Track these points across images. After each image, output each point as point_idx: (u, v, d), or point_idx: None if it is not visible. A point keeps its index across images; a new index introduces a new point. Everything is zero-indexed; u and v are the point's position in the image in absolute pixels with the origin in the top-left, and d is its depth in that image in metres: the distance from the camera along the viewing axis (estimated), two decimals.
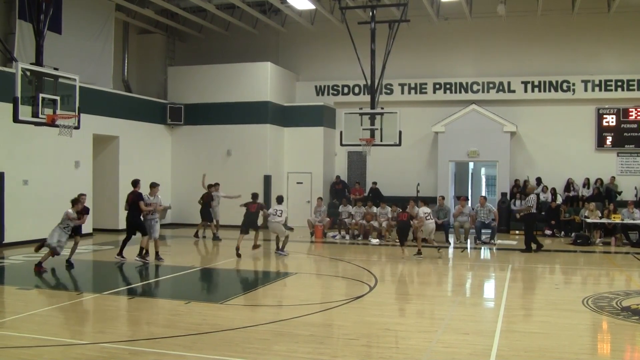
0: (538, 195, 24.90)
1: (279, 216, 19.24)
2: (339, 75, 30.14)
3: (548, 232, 25.21)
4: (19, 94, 14.93)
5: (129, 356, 8.83)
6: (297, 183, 29.09)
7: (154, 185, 17.93)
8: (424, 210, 19.58)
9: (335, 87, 30.60)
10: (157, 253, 17.82)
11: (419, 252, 18.93)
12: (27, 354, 8.95)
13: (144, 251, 17.54)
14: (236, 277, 16.84)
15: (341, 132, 22.33)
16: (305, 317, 11.30)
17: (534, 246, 20.38)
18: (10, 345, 9.30)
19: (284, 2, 26.48)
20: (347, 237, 24.12)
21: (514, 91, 28.35)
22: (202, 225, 23.91)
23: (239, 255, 18.46)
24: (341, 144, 22.94)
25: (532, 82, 28.11)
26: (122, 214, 25.32)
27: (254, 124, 28.59)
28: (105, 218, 25.59)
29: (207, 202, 23.68)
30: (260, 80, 28.89)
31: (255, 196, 19.57)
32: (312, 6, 26.40)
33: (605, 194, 26.10)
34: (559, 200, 26.47)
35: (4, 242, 20.38)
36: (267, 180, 28.00)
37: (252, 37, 30.93)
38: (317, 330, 10.49)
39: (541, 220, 25.21)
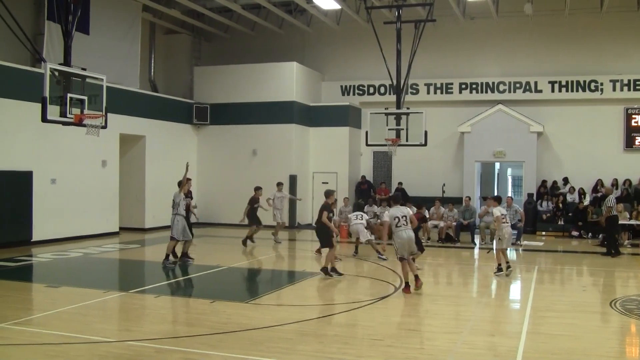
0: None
1: (359, 219, 19.21)
2: (365, 75, 30.08)
3: (575, 233, 24.97)
4: (47, 94, 15.05)
5: (154, 354, 8.89)
6: (323, 183, 29.05)
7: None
8: (500, 210, 16.16)
9: (360, 87, 30.55)
10: (185, 253, 17.74)
11: (500, 269, 15.93)
12: (54, 350, 9.05)
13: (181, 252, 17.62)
14: (261, 277, 16.89)
15: (367, 132, 22.29)
16: (330, 317, 11.32)
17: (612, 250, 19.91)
18: (37, 342, 9.41)
19: (309, 2, 26.47)
20: (373, 237, 24.01)
21: (540, 91, 28.08)
22: (251, 231, 22.22)
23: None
24: (367, 144, 22.90)
25: (560, 82, 27.81)
26: (149, 213, 25.83)
27: (280, 124, 28.62)
28: (132, 217, 25.76)
29: (253, 206, 22.28)
30: (286, 80, 28.92)
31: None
32: (337, 6, 26.37)
33: (634, 195, 25.76)
34: (587, 201, 26.15)
35: (32, 240, 20.57)
36: (293, 180, 28.01)
37: (277, 37, 30.96)
38: (342, 330, 10.50)
39: (568, 222, 25.05)
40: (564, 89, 27.81)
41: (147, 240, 23.62)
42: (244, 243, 21.74)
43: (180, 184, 17.20)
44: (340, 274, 15.50)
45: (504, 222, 15.79)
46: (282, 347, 9.44)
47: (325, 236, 15.72)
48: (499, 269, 15.73)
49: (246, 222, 21.97)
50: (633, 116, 27.15)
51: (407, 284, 13.48)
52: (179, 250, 17.49)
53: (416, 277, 13.47)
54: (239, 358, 8.73)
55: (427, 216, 19.41)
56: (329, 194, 16.06)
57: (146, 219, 26.10)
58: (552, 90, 27.97)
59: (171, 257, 17.06)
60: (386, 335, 10.13)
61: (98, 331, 10.09)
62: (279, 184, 23.76)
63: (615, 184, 26.48)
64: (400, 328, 10.62)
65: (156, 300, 12.96)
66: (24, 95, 19.68)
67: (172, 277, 15.81)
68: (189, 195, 17.97)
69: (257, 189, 22.39)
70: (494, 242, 15.82)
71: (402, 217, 13.61)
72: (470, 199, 25.03)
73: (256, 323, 10.67)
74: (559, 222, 25.83)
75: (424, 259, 17.50)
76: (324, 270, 15.45)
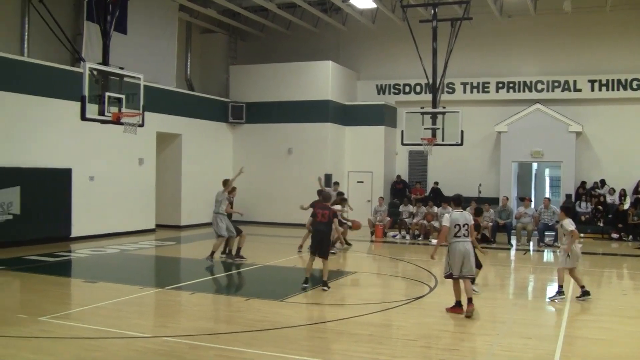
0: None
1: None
2: (400, 74, 29.98)
3: (615, 235, 24.49)
4: (86, 93, 15.22)
5: (189, 350, 8.96)
6: (358, 182, 29.05)
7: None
8: (572, 223, 13.17)
9: (396, 86, 30.49)
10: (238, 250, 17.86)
11: (561, 291, 13.17)
12: (91, 344, 9.19)
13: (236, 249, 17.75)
14: (296, 275, 16.90)
15: (402, 131, 22.23)
16: (365, 316, 11.29)
17: None
18: (75, 336, 9.56)
19: (345, 1, 26.44)
20: (408, 237, 23.99)
21: (580, 90, 27.67)
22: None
23: None
24: (402, 143, 22.84)
25: (600, 81, 27.36)
26: (185, 211, 26.03)
27: (315, 123, 28.65)
28: (168, 214, 25.98)
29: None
30: (321, 79, 28.94)
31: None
32: (373, 5, 26.32)
33: None
34: (627, 203, 25.64)
35: (71, 236, 20.85)
36: (328, 179, 28.02)
37: (313, 36, 31.01)
38: (376, 330, 10.48)
39: (608, 224, 24.70)
40: (604, 88, 27.35)
41: (182, 237, 23.83)
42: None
43: (225, 183, 17.36)
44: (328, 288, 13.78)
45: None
46: (316, 346, 9.47)
47: (327, 245, 14.08)
48: (561, 292, 13.03)
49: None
50: None
51: (458, 302, 11.49)
52: (233, 247, 17.73)
53: (469, 300, 11.32)
54: (274, 356, 8.74)
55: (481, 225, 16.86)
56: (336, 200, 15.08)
57: (182, 216, 26.31)
58: (592, 89, 27.53)
59: (216, 255, 17.21)
60: (421, 335, 10.09)
61: (134, 326, 10.21)
62: (335, 184, 23.73)
63: None
64: (435, 329, 10.54)
65: (192, 297, 13.05)
66: (63, 94, 19.99)
67: (207, 274, 15.91)
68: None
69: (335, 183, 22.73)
70: (563, 260, 13.04)
71: (464, 225, 11.49)
72: (507, 199, 24.81)
73: (291, 321, 10.70)
74: (598, 224, 25.38)
75: None
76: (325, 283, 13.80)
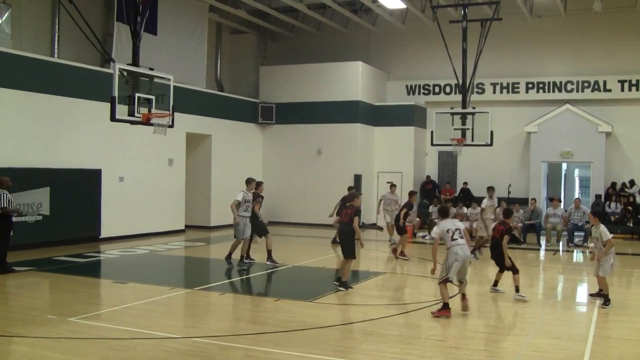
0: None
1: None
2: (430, 74, 29.87)
3: None
4: (116, 94, 15.30)
5: (218, 351, 8.97)
6: (387, 183, 28.97)
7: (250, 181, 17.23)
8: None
9: (426, 87, 30.37)
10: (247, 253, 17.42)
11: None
12: (121, 345, 9.23)
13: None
14: (325, 276, 16.88)
15: (432, 132, 22.15)
16: (394, 317, 11.26)
17: None
18: (105, 337, 9.62)
19: (375, 2, 26.39)
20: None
21: (610, 90, 27.43)
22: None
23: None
24: (432, 144, 22.77)
25: (630, 81, 27.13)
26: (215, 211, 26.11)
27: (345, 123, 28.63)
28: (198, 215, 26.09)
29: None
30: (351, 80, 28.92)
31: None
32: (403, 5, 26.23)
33: None
34: None
35: (101, 237, 21.00)
36: (358, 179, 27.98)
37: (343, 37, 30.96)
38: (406, 330, 10.47)
39: (638, 224, 24.50)
40: (633, 88, 27.11)
41: (212, 238, 23.90)
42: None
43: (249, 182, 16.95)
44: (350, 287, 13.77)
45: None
46: (345, 346, 9.46)
47: (351, 244, 13.78)
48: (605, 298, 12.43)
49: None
50: None
51: (445, 304, 11.24)
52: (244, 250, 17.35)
53: (463, 295, 11.60)
54: (302, 356, 8.73)
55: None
56: (355, 196, 14.53)
57: (212, 217, 26.40)
58: (622, 90, 27.30)
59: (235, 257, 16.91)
60: (450, 336, 10.08)
61: (164, 327, 10.24)
62: (392, 186, 23.68)
63: None
64: (464, 329, 10.50)
65: (221, 297, 13.09)
66: (93, 95, 20.15)
67: (237, 275, 15.90)
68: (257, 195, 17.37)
69: (350, 188, 21.91)
70: (600, 269, 12.43)
71: (456, 230, 11.55)
72: (535, 200, 24.58)
73: (320, 322, 10.69)
74: (628, 224, 25.18)
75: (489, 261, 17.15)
76: (343, 284, 13.65)
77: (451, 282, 11.43)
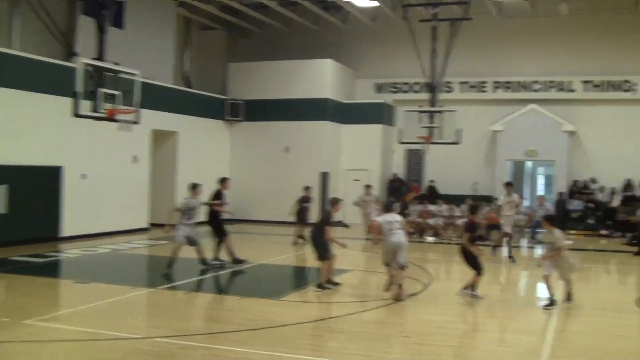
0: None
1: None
2: (399, 72, 29.87)
3: (604, 232, 25.15)
4: (79, 89, 15.04)
5: (177, 350, 8.80)
6: (354, 180, 28.91)
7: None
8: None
9: (395, 85, 30.38)
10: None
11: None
12: (79, 347, 9.02)
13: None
14: (291, 274, 16.78)
15: (400, 130, 22.14)
16: (359, 314, 11.27)
17: None
18: (63, 339, 9.36)
19: None
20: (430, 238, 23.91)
21: (574, 90, 27.93)
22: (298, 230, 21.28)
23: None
24: (400, 142, 22.77)
25: (592, 82, 27.65)
26: None
27: (313, 121, 28.55)
28: (163, 213, 25.64)
29: (302, 205, 21.63)
30: (321, 77, 28.85)
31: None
32: (374, 3, 26.23)
33: None
34: (617, 200, 26.15)
35: (63, 236, 20.55)
36: (325, 177, 27.89)
37: (313, 34, 30.84)
38: (371, 327, 10.52)
39: (598, 221, 24.99)
40: (597, 89, 27.65)
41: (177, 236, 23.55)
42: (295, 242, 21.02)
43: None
44: (337, 284, 13.64)
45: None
46: (310, 344, 9.44)
47: (323, 248, 13.44)
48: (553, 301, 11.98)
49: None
50: None
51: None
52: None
53: (399, 286, 12.19)
54: (266, 355, 8.59)
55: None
56: (335, 202, 14.33)
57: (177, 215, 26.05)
58: (585, 90, 27.80)
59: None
60: (415, 332, 10.19)
61: (125, 327, 10.01)
62: (368, 186, 23.76)
63: None
64: (428, 325, 10.59)
65: (185, 296, 12.92)
66: (55, 89, 19.58)
67: (201, 274, 15.65)
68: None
69: (307, 188, 22.06)
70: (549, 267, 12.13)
71: (395, 222, 12.51)
72: (544, 197, 24.82)
73: (285, 320, 10.61)
74: (589, 221, 25.91)
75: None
76: (321, 285, 13.35)
77: (389, 266, 12.57)
